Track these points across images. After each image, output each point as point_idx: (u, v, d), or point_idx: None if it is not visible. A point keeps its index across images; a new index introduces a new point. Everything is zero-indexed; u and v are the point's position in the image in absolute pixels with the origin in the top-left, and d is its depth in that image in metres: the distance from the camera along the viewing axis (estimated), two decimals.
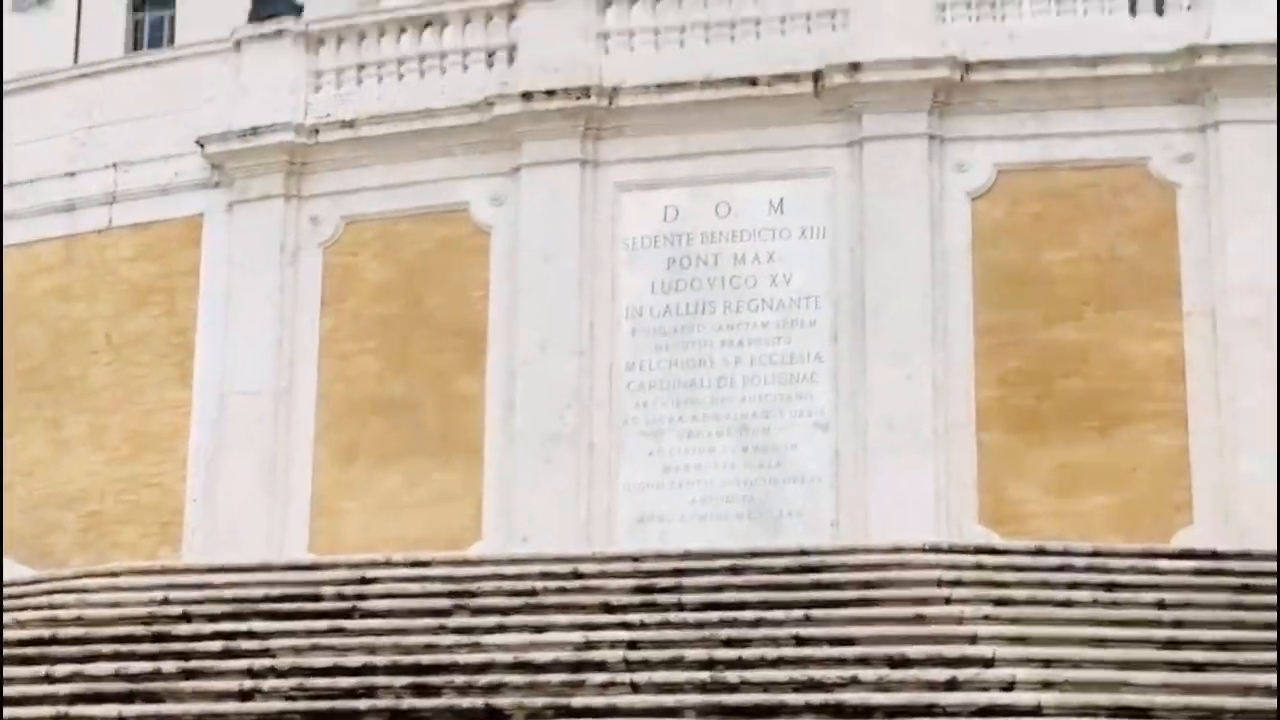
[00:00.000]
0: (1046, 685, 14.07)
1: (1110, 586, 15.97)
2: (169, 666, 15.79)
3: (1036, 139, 21.08)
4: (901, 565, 16.47)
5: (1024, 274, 20.83)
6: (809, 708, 13.98)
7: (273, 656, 15.90)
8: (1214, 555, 16.82)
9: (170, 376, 23.02)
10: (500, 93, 22.09)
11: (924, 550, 16.98)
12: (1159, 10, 20.96)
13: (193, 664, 15.91)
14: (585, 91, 21.82)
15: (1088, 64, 20.82)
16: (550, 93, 21.94)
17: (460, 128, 22.39)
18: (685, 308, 21.56)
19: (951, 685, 14.16)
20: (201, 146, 23.12)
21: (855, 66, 21.08)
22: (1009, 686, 14.10)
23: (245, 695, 15.24)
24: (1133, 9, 20.96)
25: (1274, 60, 20.31)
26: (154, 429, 22.89)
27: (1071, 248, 20.78)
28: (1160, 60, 20.70)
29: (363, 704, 14.80)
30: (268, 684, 15.34)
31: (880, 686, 14.24)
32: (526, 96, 22.00)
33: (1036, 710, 13.69)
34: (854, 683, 14.32)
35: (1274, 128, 20.44)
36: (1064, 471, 20.17)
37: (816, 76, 21.29)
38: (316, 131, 22.94)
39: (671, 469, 21.15)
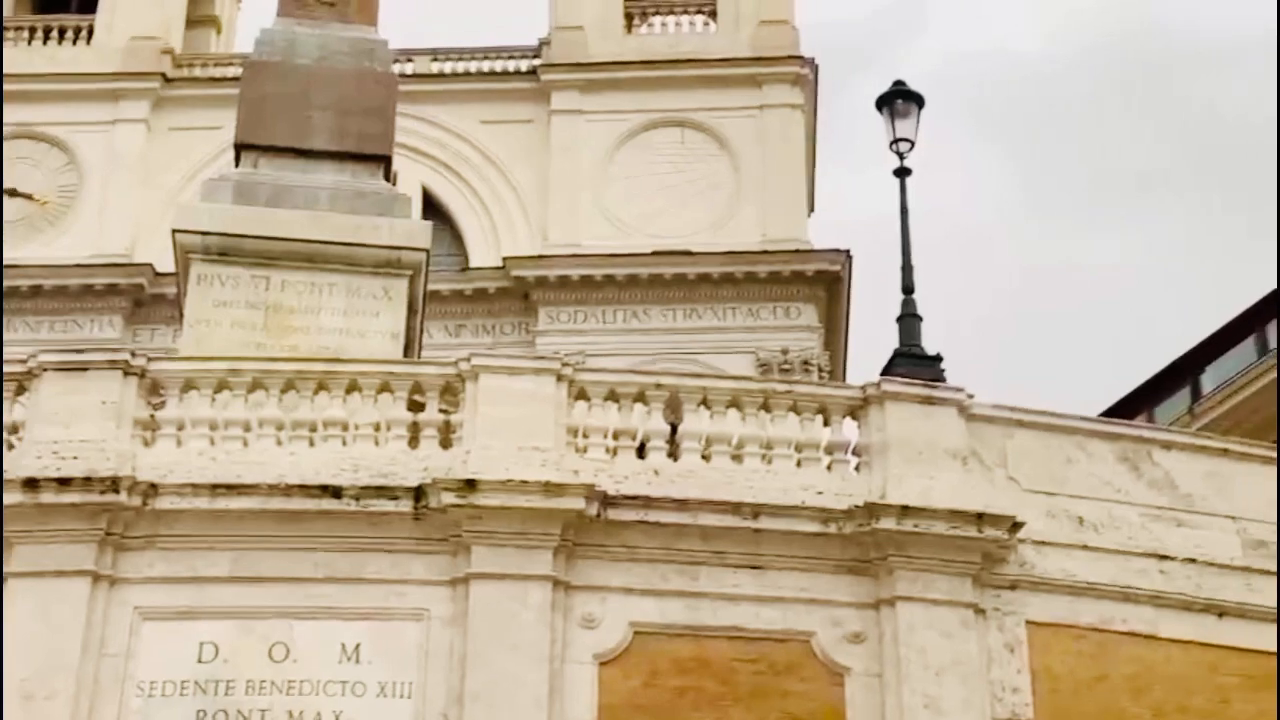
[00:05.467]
0: None
1: None
2: None
3: (683, 597, 16.15)
4: None
5: None
6: None
7: None
8: None
9: None
10: None
11: None
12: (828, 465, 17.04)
13: None
14: (113, 485, 15.85)
15: (748, 514, 16.39)
16: (64, 482, 15.92)
17: None
18: None
19: None
20: None
21: (470, 485, 15.98)
22: None
23: None
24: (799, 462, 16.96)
25: (956, 531, 16.47)
26: None
27: None
28: (831, 519, 16.52)
29: None
30: None
31: None
32: (30, 485, 15.81)
33: None
34: None
35: (956, 610, 16.43)
36: None
37: (419, 494, 16.13)
38: None
39: None
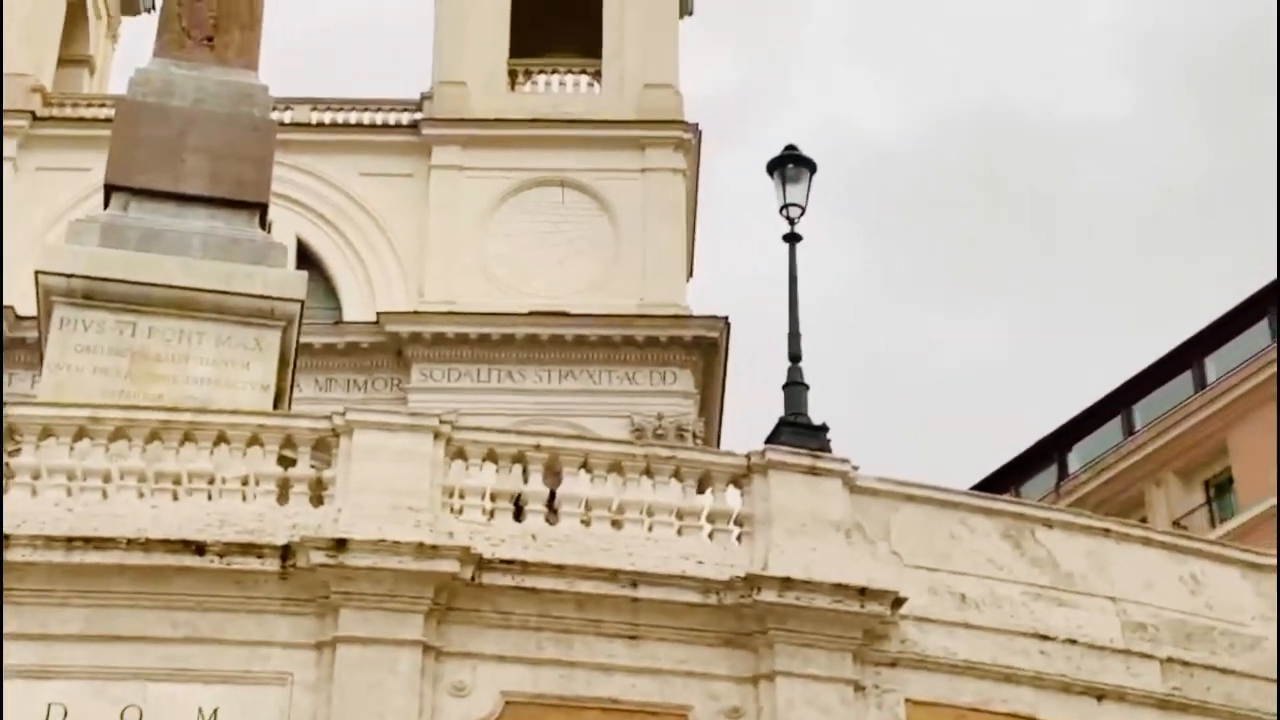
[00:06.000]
0: None
1: None
2: None
3: (557, 666, 15.66)
4: None
5: None
6: None
7: None
8: None
9: None
10: None
11: None
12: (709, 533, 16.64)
13: None
14: None
15: (626, 582, 15.95)
16: None
17: None
18: None
19: None
20: None
21: (340, 544, 15.39)
22: None
23: None
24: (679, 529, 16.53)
25: (838, 606, 16.12)
26: None
27: None
28: (711, 589, 16.11)
29: None
30: None
31: None
32: None
33: None
34: None
35: (835, 687, 16.04)
36: None
37: (287, 553, 15.50)
38: None
39: None
